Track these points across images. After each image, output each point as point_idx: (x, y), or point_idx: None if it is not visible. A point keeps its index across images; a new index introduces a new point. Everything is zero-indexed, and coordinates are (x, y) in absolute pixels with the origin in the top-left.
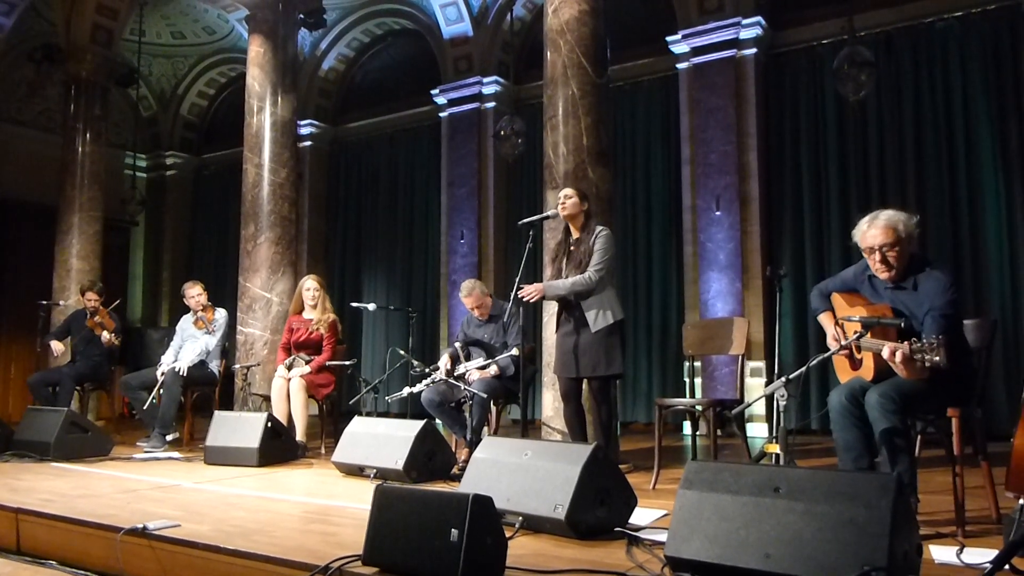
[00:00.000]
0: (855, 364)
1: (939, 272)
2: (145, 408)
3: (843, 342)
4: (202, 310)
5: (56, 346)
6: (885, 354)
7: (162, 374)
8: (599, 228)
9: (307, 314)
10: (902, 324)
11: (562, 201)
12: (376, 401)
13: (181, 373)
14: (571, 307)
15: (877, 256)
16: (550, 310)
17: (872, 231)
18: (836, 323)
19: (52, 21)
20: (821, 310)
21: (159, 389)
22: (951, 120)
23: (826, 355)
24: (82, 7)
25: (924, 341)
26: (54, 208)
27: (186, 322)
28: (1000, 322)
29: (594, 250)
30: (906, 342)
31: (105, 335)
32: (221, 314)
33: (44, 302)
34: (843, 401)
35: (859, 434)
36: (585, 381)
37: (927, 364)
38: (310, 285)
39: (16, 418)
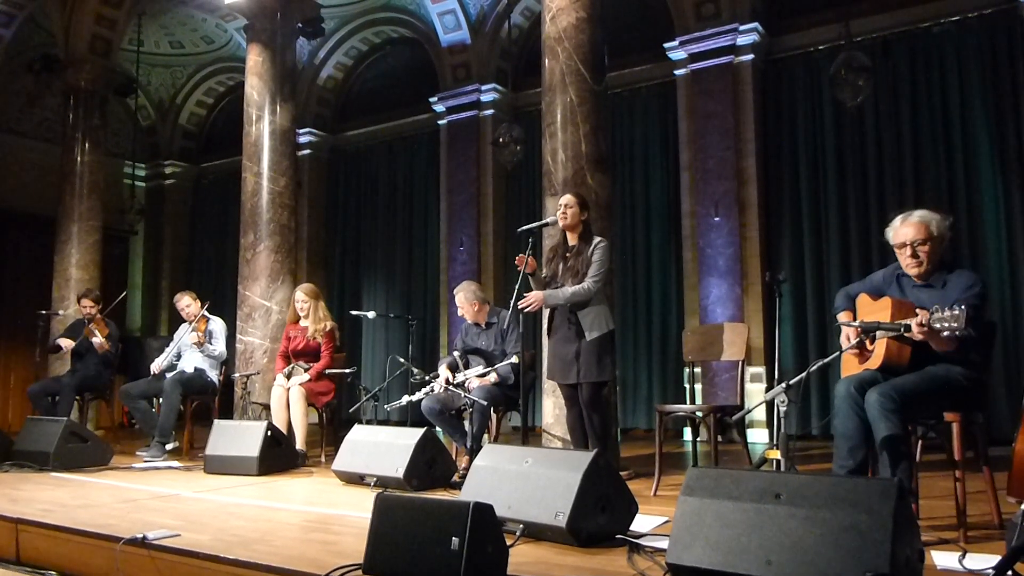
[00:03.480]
0: (864, 357)
1: (968, 272)
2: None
3: (847, 345)
4: (195, 320)
5: (65, 343)
6: (912, 326)
7: (153, 375)
8: (597, 239)
9: (302, 323)
10: (902, 330)
11: (562, 210)
12: (376, 409)
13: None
14: (567, 315)
15: (908, 251)
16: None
17: (905, 228)
18: (849, 324)
19: (51, 31)
20: (841, 309)
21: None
22: (949, 124)
23: (827, 360)
24: (81, 17)
25: (945, 310)
26: (53, 218)
27: (183, 331)
28: (1000, 326)
29: (592, 260)
30: (923, 312)
31: (97, 339)
32: (216, 324)
33: (43, 312)
34: (850, 390)
35: (859, 424)
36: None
37: (945, 334)
38: (298, 296)
39: (16, 428)
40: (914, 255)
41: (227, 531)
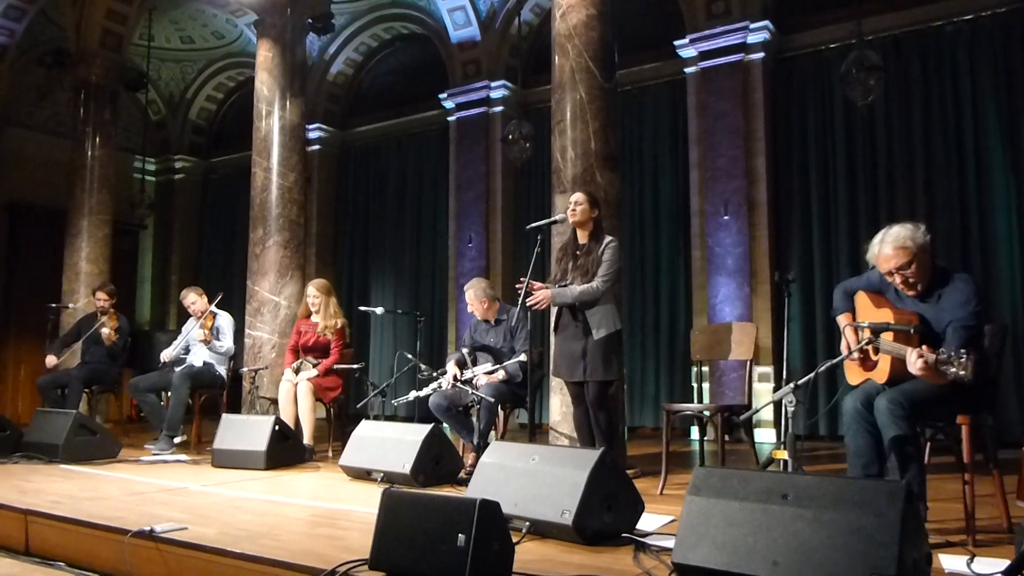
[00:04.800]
0: (869, 365)
1: (962, 284)
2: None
3: (855, 347)
4: (201, 317)
5: (49, 360)
6: (910, 360)
7: (162, 365)
8: (608, 238)
9: (313, 318)
10: (912, 331)
11: (572, 207)
12: (384, 405)
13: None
14: (574, 312)
15: (898, 278)
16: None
17: (885, 252)
18: (852, 326)
19: (62, 26)
20: (841, 310)
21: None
22: (960, 124)
23: (835, 361)
24: (92, 12)
25: (953, 355)
26: (64, 211)
27: (191, 325)
28: (1011, 328)
29: (602, 260)
30: (929, 350)
31: (105, 330)
32: (223, 319)
33: (53, 305)
34: (857, 407)
35: (871, 440)
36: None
37: (950, 377)
38: (310, 291)
39: (25, 420)
40: (904, 281)
41: (234, 525)
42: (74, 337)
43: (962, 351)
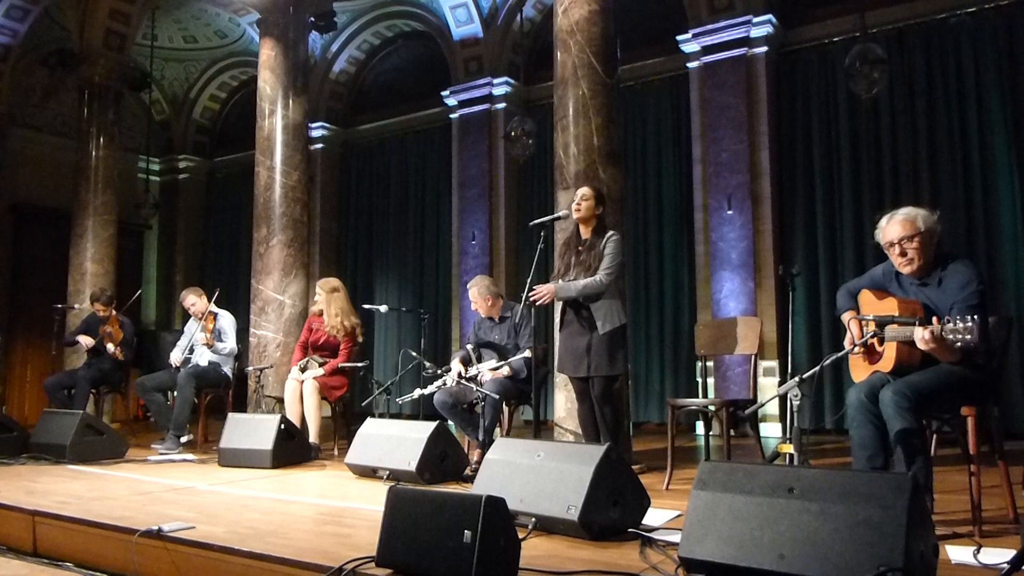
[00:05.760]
0: (874, 358)
1: (962, 266)
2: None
3: (859, 341)
4: (202, 318)
5: (84, 340)
6: (918, 336)
7: (175, 368)
8: (610, 233)
9: (324, 316)
10: (916, 323)
11: (577, 202)
12: (389, 402)
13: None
14: (579, 308)
15: (896, 250)
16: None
17: (891, 226)
18: (857, 319)
19: (65, 26)
20: (845, 309)
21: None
22: (965, 117)
23: (840, 354)
24: (95, 12)
25: (957, 322)
26: (68, 212)
27: (193, 325)
28: (1016, 320)
29: (605, 254)
30: (935, 323)
31: (110, 347)
32: (224, 319)
33: (59, 305)
34: (862, 398)
35: (875, 432)
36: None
37: (959, 344)
38: (316, 290)
39: (32, 421)
40: (903, 253)
41: (241, 523)
42: (82, 333)
43: (967, 317)
